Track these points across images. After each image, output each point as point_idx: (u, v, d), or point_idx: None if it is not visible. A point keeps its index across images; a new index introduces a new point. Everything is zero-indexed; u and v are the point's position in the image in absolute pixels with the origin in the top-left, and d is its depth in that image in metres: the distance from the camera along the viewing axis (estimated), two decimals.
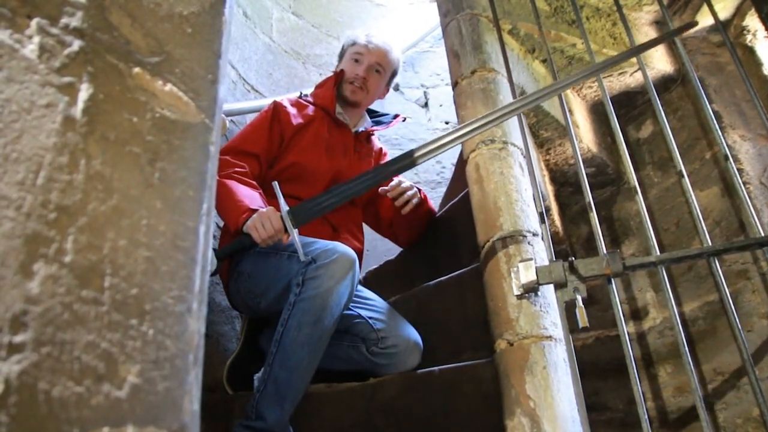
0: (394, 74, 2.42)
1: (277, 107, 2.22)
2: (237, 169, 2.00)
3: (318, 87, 2.40)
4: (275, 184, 1.73)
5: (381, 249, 2.93)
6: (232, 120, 2.80)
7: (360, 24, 3.96)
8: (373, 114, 2.49)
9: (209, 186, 0.68)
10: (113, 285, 0.53)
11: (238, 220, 1.82)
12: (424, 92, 3.87)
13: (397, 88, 3.83)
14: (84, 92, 0.57)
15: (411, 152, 1.60)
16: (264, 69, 3.29)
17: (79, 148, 0.54)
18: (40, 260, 0.48)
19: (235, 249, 1.88)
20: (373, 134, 2.42)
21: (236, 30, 3.14)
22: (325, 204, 1.68)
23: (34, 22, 0.55)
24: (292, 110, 2.24)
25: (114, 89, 0.60)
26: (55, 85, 0.55)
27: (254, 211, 1.82)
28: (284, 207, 1.71)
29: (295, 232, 1.70)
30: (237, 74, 3.04)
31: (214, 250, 1.94)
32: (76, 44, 0.58)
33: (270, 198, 2.07)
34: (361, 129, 2.35)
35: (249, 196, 1.90)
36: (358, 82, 2.28)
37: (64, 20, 0.58)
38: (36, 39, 0.55)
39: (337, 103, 2.31)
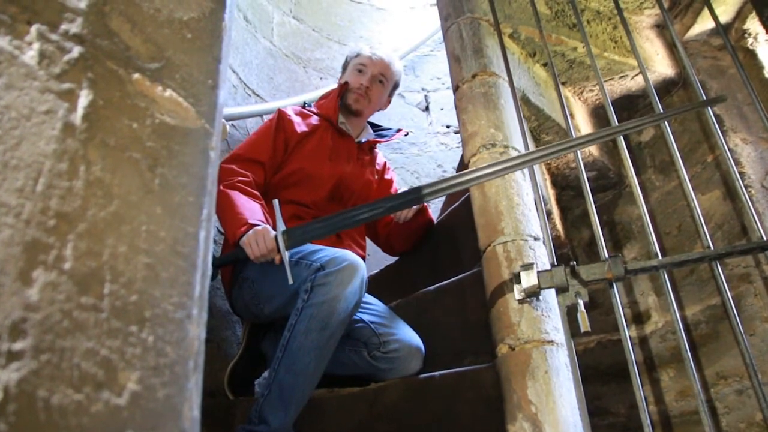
0: (395, 86, 2.49)
1: (281, 116, 2.26)
2: (240, 178, 2.02)
3: (322, 98, 2.45)
4: (275, 202, 1.74)
5: (382, 254, 2.92)
6: (232, 124, 2.80)
7: (361, 28, 3.96)
8: (376, 128, 2.53)
9: (209, 191, 0.68)
10: (113, 292, 0.52)
11: (236, 233, 1.84)
12: (425, 96, 3.87)
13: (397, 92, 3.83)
14: (84, 98, 0.57)
15: (419, 188, 1.56)
16: (265, 73, 3.29)
17: (78, 155, 0.54)
18: (40, 267, 0.48)
19: (231, 260, 1.91)
20: (375, 146, 2.44)
21: (237, 34, 3.15)
22: (323, 230, 1.67)
23: (33, 29, 0.55)
24: (296, 119, 2.28)
25: (114, 95, 0.60)
26: (55, 91, 0.55)
27: (252, 226, 1.83)
28: (280, 227, 1.70)
29: (287, 254, 1.70)
30: (238, 78, 3.04)
31: (213, 257, 1.95)
32: (76, 50, 0.58)
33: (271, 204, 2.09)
34: (363, 139, 2.38)
35: (249, 208, 1.91)
36: (361, 90, 2.33)
37: (63, 26, 0.58)
38: (36, 45, 0.55)
39: (339, 113, 2.35)
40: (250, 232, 1.81)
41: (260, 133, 2.23)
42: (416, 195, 1.56)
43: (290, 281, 1.65)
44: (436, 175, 3.55)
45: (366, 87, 2.34)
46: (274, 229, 1.77)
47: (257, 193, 2.03)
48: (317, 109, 2.38)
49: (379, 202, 1.62)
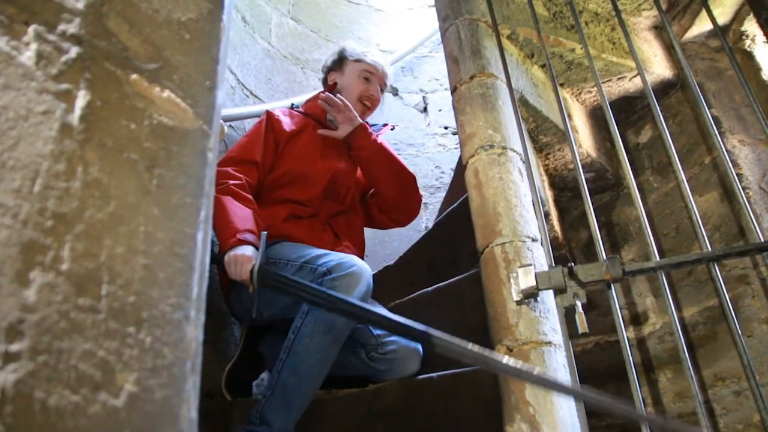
0: None
1: (269, 116, 2.27)
2: (233, 182, 2.01)
3: (310, 99, 2.45)
4: (263, 234, 1.73)
5: (380, 254, 2.93)
6: (230, 125, 2.80)
7: (359, 29, 3.96)
8: None
9: (207, 192, 0.67)
10: (110, 293, 0.52)
11: (226, 244, 1.83)
12: (423, 97, 3.88)
13: (396, 93, 3.83)
14: (81, 99, 0.57)
15: (429, 335, 1.33)
16: (263, 74, 3.29)
17: (76, 156, 0.54)
18: (37, 268, 0.48)
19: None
20: None
21: (235, 35, 3.14)
22: (297, 292, 1.61)
23: (31, 29, 0.55)
24: (285, 119, 2.29)
25: (111, 96, 0.60)
26: (53, 92, 0.55)
27: (240, 241, 1.81)
28: (257, 261, 1.69)
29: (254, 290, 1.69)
30: (236, 79, 3.04)
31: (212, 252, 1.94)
32: (74, 51, 0.58)
33: (268, 204, 2.09)
34: None
35: (241, 216, 1.90)
36: (370, 102, 2.37)
37: (61, 27, 0.58)
38: (33, 46, 0.55)
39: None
40: (232, 254, 1.79)
41: (251, 135, 2.24)
42: (425, 337, 1.37)
43: (253, 315, 1.66)
44: (434, 176, 3.55)
45: (377, 99, 2.39)
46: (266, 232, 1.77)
47: (250, 196, 2.03)
48: (305, 109, 2.39)
49: (379, 317, 1.51)
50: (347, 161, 2.30)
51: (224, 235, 1.85)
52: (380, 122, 2.61)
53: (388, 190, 2.33)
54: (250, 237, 1.83)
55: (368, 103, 2.36)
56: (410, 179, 2.33)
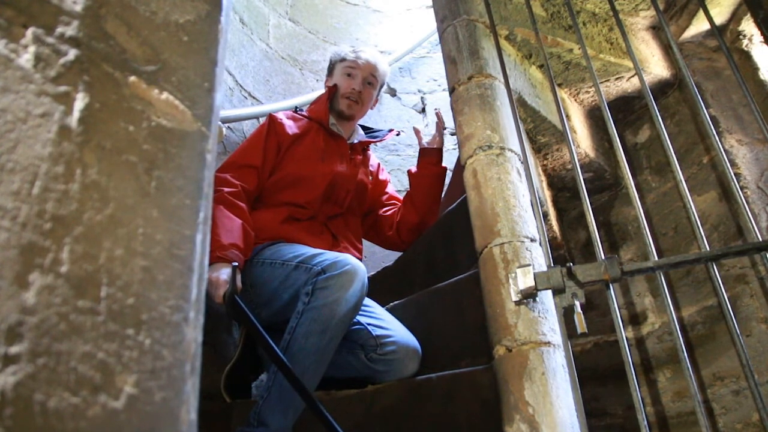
0: (382, 85, 2.53)
1: (272, 120, 2.30)
2: (228, 189, 2.02)
3: (313, 103, 2.49)
4: (234, 266, 1.74)
5: (379, 256, 2.93)
6: (229, 127, 2.80)
7: (357, 30, 3.96)
8: (367, 130, 2.59)
9: (206, 194, 0.67)
10: (109, 295, 0.52)
11: (211, 257, 1.83)
12: (422, 98, 3.88)
13: (394, 94, 3.84)
14: (80, 101, 0.57)
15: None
16: (261, 75, 3.29)
17: (75, 158, 0.54)
18: (36, 270, 0.48)
19: None
20: (368, 148, 2.46)
21: (233, 37, 3.14)
22: (253, 333, 1.65)
23: (29, 32, 0.55)
24: (288, 122, 2.31)
25: (110, 98, 0.60)
26: (51, 94, 0.55)
27: (219, 258, 1.83)
28: (230, 289, 1.70)
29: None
30: (234, 81, 3.04)
31: None
32: (72, 53, 0.58)
33: (268, 206, 2.10)
34: (355, 141, 2.40)
35: (228, 228, 1.92)
36: (353, 96, 2.37)
37: (59, 29, 0.58)
38: (31, 48, 0.55)
39: (330, 116, 2.38)
40: (211, 273, 1.80)
41: (252, 139, 2.26)
42: None
43: (221, 334, 1.67)
44: None
45: (358, 91, 2.37)
46: (259, 234, 1.84)
47: (242, 204, 2.04)
48: (308, 113, 2.41)
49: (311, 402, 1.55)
50: (348, 165, 2.33)
51: (210, 247, 1.85)
52: (380, 124, 2.63)
53: (422, 210, 2.44)
54: (231, 253, 1.84)
55: (353, 97, 2.37)
56: (436, 216, 2.44)
